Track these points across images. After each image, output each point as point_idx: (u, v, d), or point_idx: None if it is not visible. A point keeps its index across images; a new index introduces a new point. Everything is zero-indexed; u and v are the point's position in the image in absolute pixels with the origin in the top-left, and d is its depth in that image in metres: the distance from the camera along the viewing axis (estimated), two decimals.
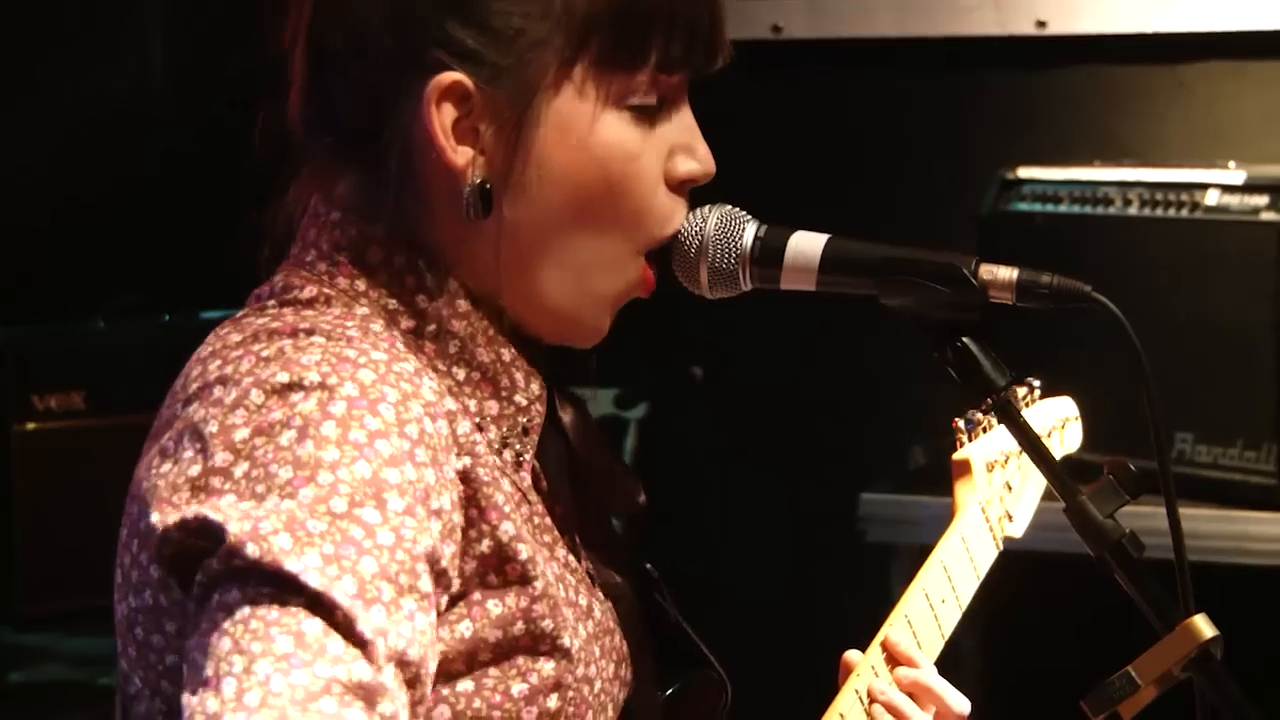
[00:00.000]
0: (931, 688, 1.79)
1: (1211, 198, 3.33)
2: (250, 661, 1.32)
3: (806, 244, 1.65)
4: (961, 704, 1.79)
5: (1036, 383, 2.02)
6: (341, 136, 1.61)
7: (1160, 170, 3.43)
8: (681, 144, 1.63)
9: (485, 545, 1.53)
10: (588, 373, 1.70)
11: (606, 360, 1.71)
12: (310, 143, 1.64)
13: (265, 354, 1.49)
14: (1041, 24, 3.87)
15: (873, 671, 1.78)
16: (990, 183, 3.58)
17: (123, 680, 1.55)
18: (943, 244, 1.66)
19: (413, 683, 1.38)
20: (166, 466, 1.47)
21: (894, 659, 1.80)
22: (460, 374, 1.59)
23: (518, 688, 1.54)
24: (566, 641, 1.56)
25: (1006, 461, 1.98)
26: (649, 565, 1.76)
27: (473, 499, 1.52)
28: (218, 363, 1.51)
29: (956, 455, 1.94)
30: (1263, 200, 3.27)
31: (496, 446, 1.59)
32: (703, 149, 1.64)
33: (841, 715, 1.75)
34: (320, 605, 1.35)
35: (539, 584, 1.55)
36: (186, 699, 1.33)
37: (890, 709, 1.77)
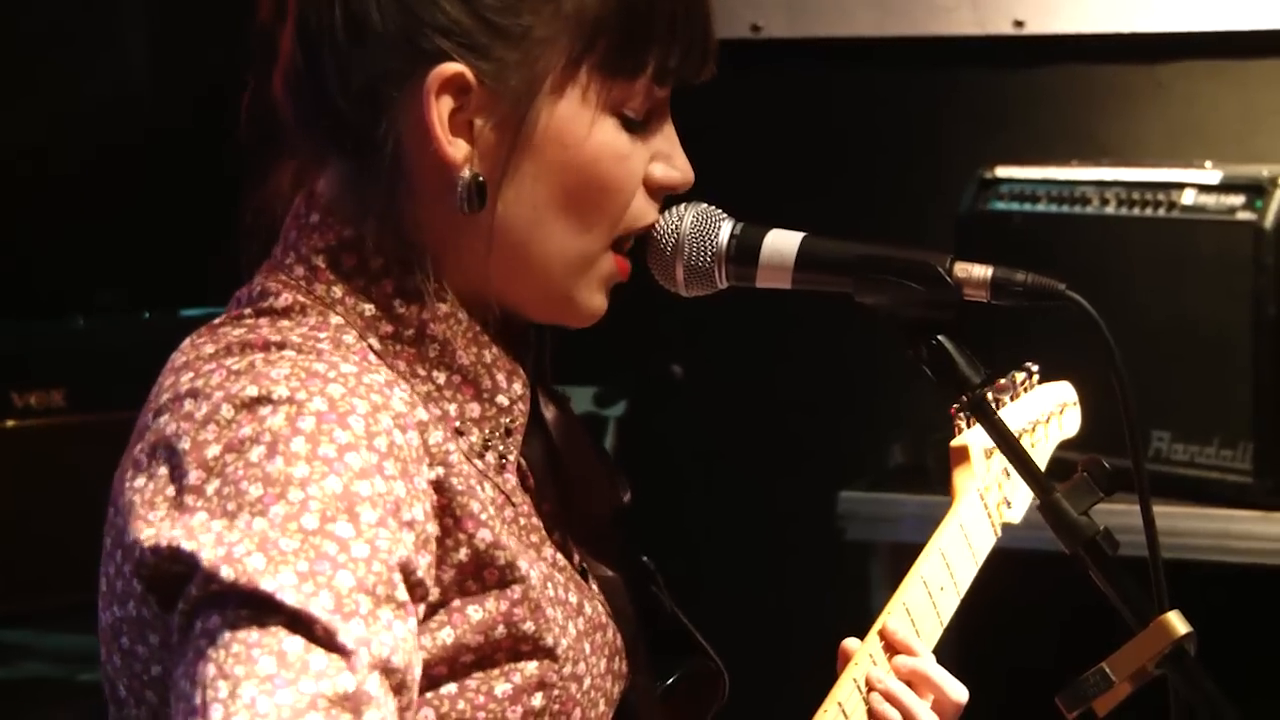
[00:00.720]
0: (930, 676, 1.79)
1: (1188, 197, 3.34)
2: (235, 685, 1.32)
3: (782, 242, 1.66)
4: (960, 692, 1.79)
5: (1035, 367, 2.01)
6: (330, 122, 1.57)
7: (1137, 170, 3.44)
8: (663, 153, 1.63)
9: (463, 554, 1.52)
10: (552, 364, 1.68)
11: (585, 358, 1.70)
12: (294, 127, 1.60)
13: (236, 368, 1.49)
14: (1019, 24, 3.88)
15: (871, 660, 1.78)
16: (968, 182, 3.58)
17: (108, 685, 1.55)
18: (920, 243, 1.66)
19: (399, 689, 1.38)
20: (140, 481, 1.47)
21: (892, 647, 1.80)
22: (440, 378, 1.58)
23: (501, 688, 1.54)
24: (550, 642, 1.56)
25: None
26: (645, 558, 1.75)
27: (447, 508, 1.52)
28: (189, 375, 1.50)
29: (954, 442, 1.94)
30: (1239, 200, 3.28)
31: (478, 450, 1.58)
32: (681, 159, 1.64)
33: (840, 704, 1.75)
34: (299, 622, 1.35)
35: (519, 588, 1.55)
36: None
37: (888, 697, 1.76)
